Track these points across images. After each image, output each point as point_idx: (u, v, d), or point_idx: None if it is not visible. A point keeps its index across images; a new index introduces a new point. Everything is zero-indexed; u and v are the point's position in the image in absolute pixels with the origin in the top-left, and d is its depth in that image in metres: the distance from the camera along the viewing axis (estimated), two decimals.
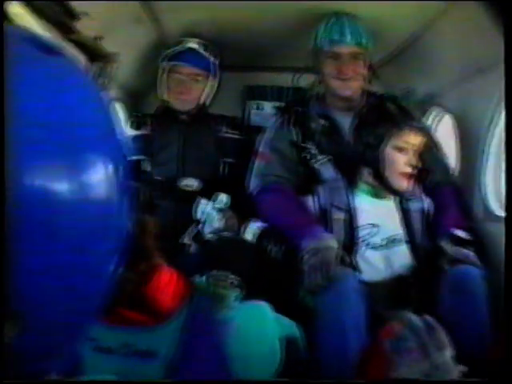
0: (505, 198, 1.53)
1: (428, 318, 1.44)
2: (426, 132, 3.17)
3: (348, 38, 3.28)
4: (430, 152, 3.31)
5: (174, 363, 1.46)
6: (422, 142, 3.00)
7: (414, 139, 2.96)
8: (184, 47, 3.71)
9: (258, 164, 3.39)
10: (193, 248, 3.31)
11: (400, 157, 2.96)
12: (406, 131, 2.94)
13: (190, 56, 3.72)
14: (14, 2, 2.51)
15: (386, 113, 3.01)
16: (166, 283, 1.50)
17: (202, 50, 3.73)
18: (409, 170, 2.97)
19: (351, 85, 3.36)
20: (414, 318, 1.43)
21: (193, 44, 3.71)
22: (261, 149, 3.44)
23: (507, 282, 1.48)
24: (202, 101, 3.85)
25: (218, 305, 1.56)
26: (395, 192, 3.07)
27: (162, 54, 3.77)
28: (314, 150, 3.32)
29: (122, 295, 1.37)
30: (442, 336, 1.40)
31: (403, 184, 3.00)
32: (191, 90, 3.77)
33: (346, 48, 3.30)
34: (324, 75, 3.42)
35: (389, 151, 2.97)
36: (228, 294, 1.60)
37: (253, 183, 3.36)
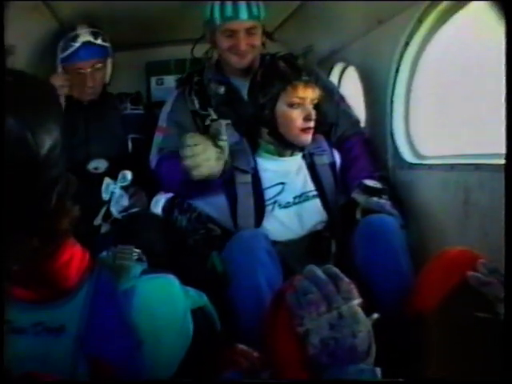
0: (505, 198, 1.49)
1: (332, 268, 1.40)
2: (323, 85, 3.16)
3: (242, 14, 3.21)
4: (333, 105, 3.35)
5: (82, 336, 1.41)
6: (317, 95, 2.97)
7: (307, 93, 2.93)
8: (78, 43, 3.56)
9: (156, 138, 3.40)
10: (104, 228, 3.25)
11: (295, 112, 2.93)
12: (297, 86, 2.91)
13: (86, 50, 3.59)
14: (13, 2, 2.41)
15: (278, 71, 2.97)
16: (70, 258, 1.44)
17: (96, 40, 3.61)
18: (306, 124, 2.94)
19: (247, 58, 3.32)
20: (316, 270, 1.38)
21: (86, 37, 3.57)
22: (159, 123, 3.45)
23: (507, 280, 1.44)
24: (105, 82, 3.81)
25: (120, 277, 1.50)
26: (296, 147, 3.05)
27: (58, 53, 3.61)
28: (214, 117, 3.34)
29: (28, 271, 1.34)
30: (348, 285, 1.35)
31: (303, 139, 2.97)
32: (95, 80, 3.68)
33: (241, 24, 3.24)
34: (220, 49, 3.38)
35: (283, 108, 2.94)
36: (130, 267, 1.54)
37: (152, 157, 3.37)
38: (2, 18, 1.37)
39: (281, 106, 2.93)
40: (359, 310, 1.33)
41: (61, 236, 1.37)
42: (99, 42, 3.61)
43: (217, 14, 3.23)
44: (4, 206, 1.17)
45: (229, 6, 3.20)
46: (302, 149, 3.06)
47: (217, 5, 3.24)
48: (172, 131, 3.33)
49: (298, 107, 2.92)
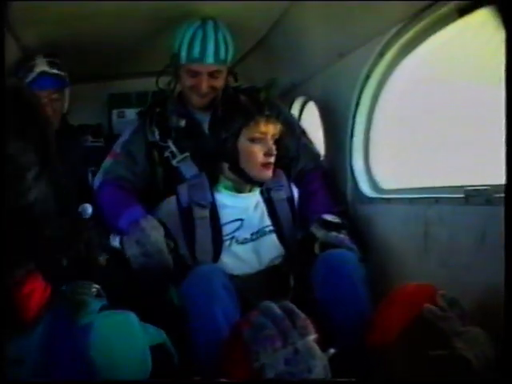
0: (504, 203, 1.49)
1: (289, 304, 1.39)
2: (285, 120, 3.14)
3: (208, 57, 3.19)
4: (294, 139, 3.33)
5: (40, 369, 1.40)
6: (279, 130, 2.97)
7: (269, 128, 2.92)
8: (35, 73, 3.57)
9: (106, 161, 3.40)
10: (65, 262, 3.15)
11: (256, 147, 2.92)
12: (259, 122, 2.90)
13: (43, 80, 3.59)
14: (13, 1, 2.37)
15: (240, 106, 2.96)
16: (32, 291, 1.43)
17: (52, 70, 3.60)
18: (267, 159, 2.93)
19: (207, 98, 3.31)
20: (272, 306, 1.37)
21: (43, 67, 3.57)
22: (114, 147, 3.44)
23: (507, 281, 1.43)
24: (63, 113, 3.79)
25: (78, 312, 1.49)
26: (257, 183, 3.04)
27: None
28: (174, 149, 3.31)
29: None
30: (304, 321, 1.34)
31: (264, 174, 2.96)
32: (53, 110, 3.67)
33: (205, 67, 3.22)
34: (182, 85, 3.38)
35: (244, 143, 2.93)
36: (89, 302, 1.53)
37: (97, 178, 3.38)
38: (2, 19, 1.37)
39: (242, 141, 2.92)
40: (315, 346, 1.32)
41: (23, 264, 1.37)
42: (55, 71, 3.59)
43: (183, 53, 3.20)
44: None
45: (197, 46, 3.17)
46: (261, 184, 3.05)
47: (185, 43, 3.20)
48: (122, 158, 3.33)
49: (259, 142, 2.91)
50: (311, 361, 1.28)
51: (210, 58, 3.18)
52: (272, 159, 2.93)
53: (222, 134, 2.95)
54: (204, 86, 3.23)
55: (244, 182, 3.02)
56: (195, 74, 3.23)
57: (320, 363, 1.29)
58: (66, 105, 3.76)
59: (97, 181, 3.34)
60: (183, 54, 3.21)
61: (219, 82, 3.28)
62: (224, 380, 1.52)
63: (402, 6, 2.58)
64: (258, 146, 2.91)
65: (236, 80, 3.46)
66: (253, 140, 2.90)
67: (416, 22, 2.63)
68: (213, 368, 2.24)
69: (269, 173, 2.95)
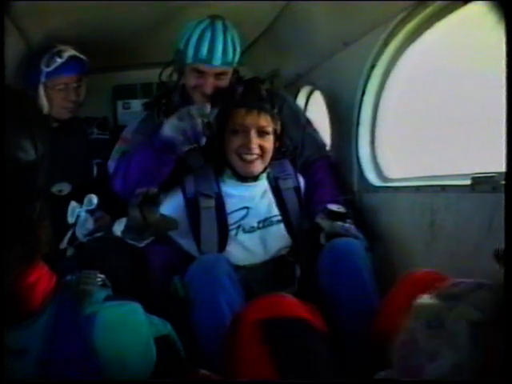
0: (504, 203, 1.49)
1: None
2: (289, 109, 3.22)
3: (216, 59, 3.14)
4: (299, 129, 3.32)
5: (44, 360, 1.40)
6: (265, 121, 2.94)
7: (250, 120, 2.91)
8: (64, 58, 3.55)
9: (118, 147, 3.36)
10: (69, 252, 3.20)
11: (234, 139, 2.95)
12: (237, 112, 2.93)
13: (73, 64, 3.60)
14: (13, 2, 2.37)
15: (227, 96, 3.03)
16: (37, 280, 1.43)
17: (80, 55, 3.61)
18: (247, 152, 2.93)
19: (210, 97, 3.23)
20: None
21: (71, 51, 3.57)
22: (123, 134, 3.41)
23: (507, 281, 1.43)
24: (80, 102, 3.77)
25: (83, 302, 1.48)
26: (245, 178, 3.04)
27: (43, 68, 3.57)
28: None
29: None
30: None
31: (244, 168, 2.99)
32: (78, 96, 3.70)
33: (212, 69, 3.17)
34: (186, 83, 3.34)
35: (226, 135, 2.97)
36: (94, 292, 1.52)
37: (111, 161, 3.33)
38: (3, 18, 1.38)
39: (226, 133, 2.98)
40: None
41: (39, 249, 1.39)
42: (82, 56, 3.62)
43: (190, 52, 3.14)
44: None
45: (204, 47, 3.12)
46: (253, 178, 3.05)
47: (192, 42, 3.14)
48: (136, 142, 3.26)
49: (237, 134, 2.94)
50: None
51: (217, 60, 3.14)
52: (253, 152, 2.94)
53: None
54: (209, 86, 3.19)
55: (236, 175, 3.03)
56: (201, 74, 3.19)
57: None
58: (84, 93, 3.77)
59: (111, 164, 3.30)
60: (190, 53, 3.15)
61: (224, 83, 3.24)
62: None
63: None
64: (236, 137, 2.94)
65: (240, 79, 3.40)
66: (232, 132, 2.93)
67: (420, 10, 2.63)
68: (215, 356, 2.25)
69: (252, 168, 2.98)
